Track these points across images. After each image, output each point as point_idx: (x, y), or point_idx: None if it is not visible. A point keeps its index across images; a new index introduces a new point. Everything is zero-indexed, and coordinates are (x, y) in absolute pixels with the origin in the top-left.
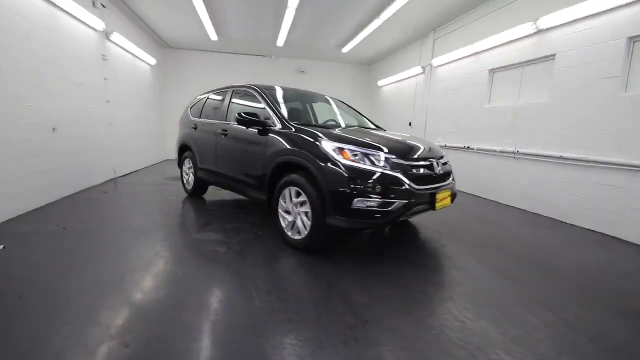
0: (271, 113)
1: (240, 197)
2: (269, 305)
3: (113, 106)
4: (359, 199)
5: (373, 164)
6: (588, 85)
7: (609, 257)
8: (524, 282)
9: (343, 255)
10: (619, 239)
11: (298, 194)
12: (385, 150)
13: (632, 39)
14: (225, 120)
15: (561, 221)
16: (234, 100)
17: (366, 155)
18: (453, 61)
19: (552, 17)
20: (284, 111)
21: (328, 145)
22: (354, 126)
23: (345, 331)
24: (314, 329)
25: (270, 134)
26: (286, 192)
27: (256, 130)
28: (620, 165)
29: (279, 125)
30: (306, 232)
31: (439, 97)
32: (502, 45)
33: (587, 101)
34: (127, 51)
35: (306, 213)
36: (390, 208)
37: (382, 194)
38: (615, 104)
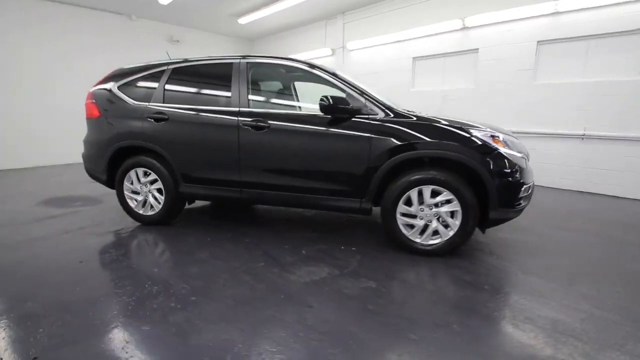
0: (365, 99)
1: (216, 205)
2: None
3: None
4: (525, 186)
5: (513, 149)
6: (508, 74)
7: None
8: None
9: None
10: None
11: (434, 194)
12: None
13: (539, 42)
14: (248, 107)
15: None
16: (255, 79)
17: (507, 141)
18: (373, 46)
19: (479, 17)
20: (377, 96)
21: (483, 135)
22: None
23: None
24: None
25: (370, 125)
26: (413, 194)
27: (340, 121)
28: (537, 134)
29: (381, 114)
30: (450, 235)
31: (359, 79)
32: (428, 36)
33: (507, 87)
34: None
35: (452, 213)
36: (530, 191)
37: (529, 178)
38: (529, 90)
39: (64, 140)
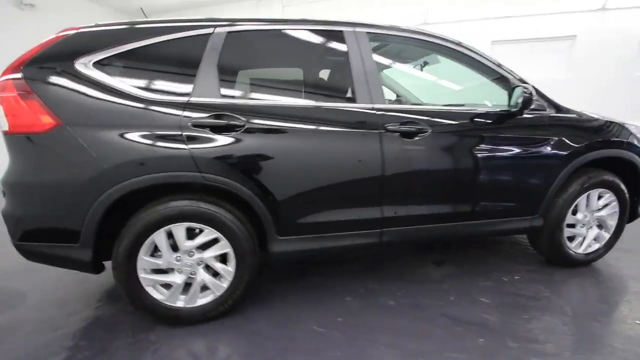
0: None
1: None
2: None
3: None
4: None
5: None
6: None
7: None
8: None
9: None
10: None
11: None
12: None
13: (493, 42)
14: (384, 103)
15: None
16: (380, 57)
17: None
18: None
19: (436, 14)
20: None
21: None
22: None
23: None
24: None
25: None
26: (582, 200)
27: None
28: None
29: (551, 109)
30: (606, 239)
31: None
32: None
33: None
34: None
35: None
36: None
37: None
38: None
39: None
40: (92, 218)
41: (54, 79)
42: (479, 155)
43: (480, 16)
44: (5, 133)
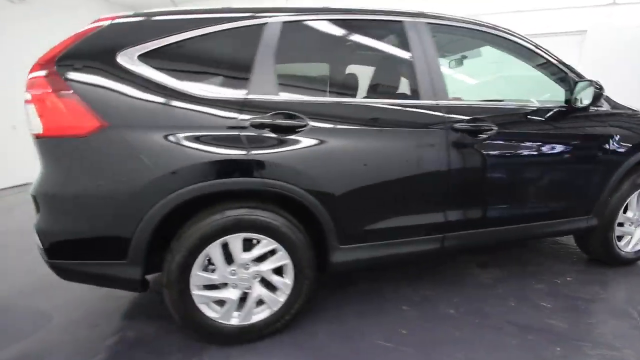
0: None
1: None
2: None
3: None
4: None
5: None
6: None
7: None
8: None
9: None
10: None
11: None
12: None
13: None
14: (447, 99)
15: None
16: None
17: None
18: None
19: (447, 9)
20: None
21: None
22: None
23: None
24: None
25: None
26: (633, 199)
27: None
28: None
29: (606, 105)
30: None
31: None
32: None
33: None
34: None
35: None
36: None
37: None
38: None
39: None
40: (143, 231)
41: (95, 75)
42: (542, 153)
43: (490, 10)
44: (38, 137)
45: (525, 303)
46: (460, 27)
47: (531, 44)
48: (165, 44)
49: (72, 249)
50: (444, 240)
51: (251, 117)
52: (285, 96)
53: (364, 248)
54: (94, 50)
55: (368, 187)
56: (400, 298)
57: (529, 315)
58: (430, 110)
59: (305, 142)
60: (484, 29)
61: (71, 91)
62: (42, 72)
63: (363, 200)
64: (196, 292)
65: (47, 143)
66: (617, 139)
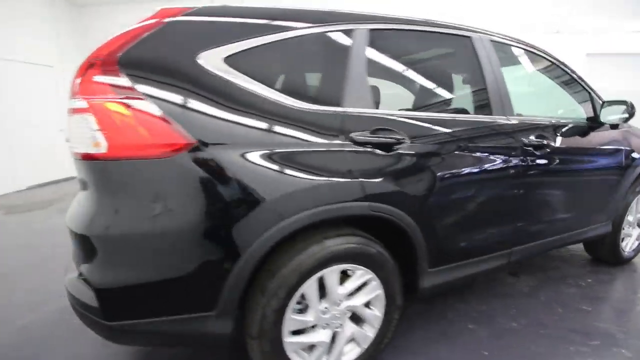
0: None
1: None
2: None
3: None
4: None
5: None
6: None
7: None
8: None
9: None
10: None
11: None
12: None
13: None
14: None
15: None
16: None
17: None
18: None
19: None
20: None
21: None
22: None
23: None
24: None
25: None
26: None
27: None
28: None
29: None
30: None
31: None
32: None
33: None
34: None
35: None
36: None
37: None
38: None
39: None
40: (240, 274)
41: (173, 80)
42: (583, 166)
43: (576, 30)
44: (96, 158)
45: (570, 308)
46: (516, 47)
47: (570, 69)
48: (254, 45)
49: (143, 304)
50: (510, 255)
51: (354, 132)
52: (381, 109)
53: (450, 270)
54: (166, 50)
55: (461, 206)
56: (460, 316)
57: (581, 321)
58: (508, 127)
59: (407, 159)
60: (535, 50)
61: (146, 100)
62: (104, 75)
63: (455, 220)
64: (287, 340)
65: (109, 166)
66: (630, 151)
